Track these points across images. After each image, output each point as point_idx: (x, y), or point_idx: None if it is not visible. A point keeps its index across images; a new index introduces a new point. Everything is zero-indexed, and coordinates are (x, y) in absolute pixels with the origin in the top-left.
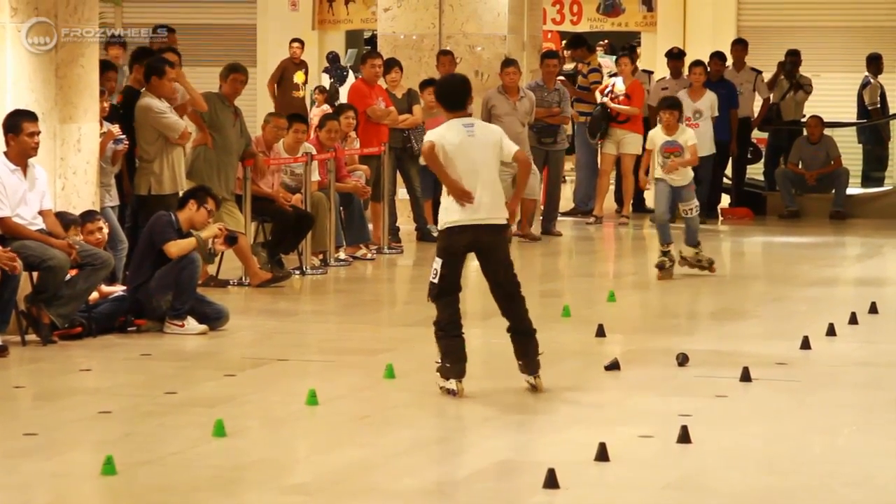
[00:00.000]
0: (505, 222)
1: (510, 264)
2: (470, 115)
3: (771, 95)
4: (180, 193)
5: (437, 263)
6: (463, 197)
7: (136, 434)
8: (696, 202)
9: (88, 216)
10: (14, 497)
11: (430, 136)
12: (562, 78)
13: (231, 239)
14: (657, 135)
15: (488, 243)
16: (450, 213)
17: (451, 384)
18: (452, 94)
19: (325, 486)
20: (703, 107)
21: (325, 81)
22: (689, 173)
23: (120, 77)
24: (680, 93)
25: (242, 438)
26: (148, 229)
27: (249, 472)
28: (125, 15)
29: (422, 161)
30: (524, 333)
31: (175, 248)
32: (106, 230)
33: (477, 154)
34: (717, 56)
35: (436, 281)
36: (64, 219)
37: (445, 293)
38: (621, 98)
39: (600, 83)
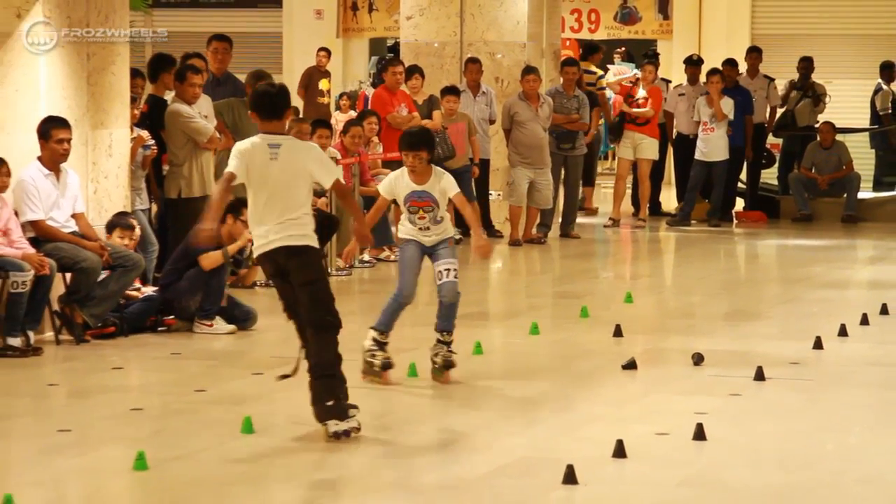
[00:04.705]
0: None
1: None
2: (281, 133)
3: (785, 105)
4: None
5: None
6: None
7: (167, 430)
8: (455, 262)
9: (121, 219)
10: (48, 491)
11: (231, 159)
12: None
13: None
14: (400, 182)
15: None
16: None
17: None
18: (263, 103)
19: (350, 481)
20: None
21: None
22: (448, 227)
23: None
24: (698, 99)
25: (270, 435)
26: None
27: (277, 467)
28: (155, 23)
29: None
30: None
31: (207, 261)
32: (138, 232)
33: (277, 179)
34: (729, 63)
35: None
36: None
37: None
38: (640, 101)
39: (604, 76)
